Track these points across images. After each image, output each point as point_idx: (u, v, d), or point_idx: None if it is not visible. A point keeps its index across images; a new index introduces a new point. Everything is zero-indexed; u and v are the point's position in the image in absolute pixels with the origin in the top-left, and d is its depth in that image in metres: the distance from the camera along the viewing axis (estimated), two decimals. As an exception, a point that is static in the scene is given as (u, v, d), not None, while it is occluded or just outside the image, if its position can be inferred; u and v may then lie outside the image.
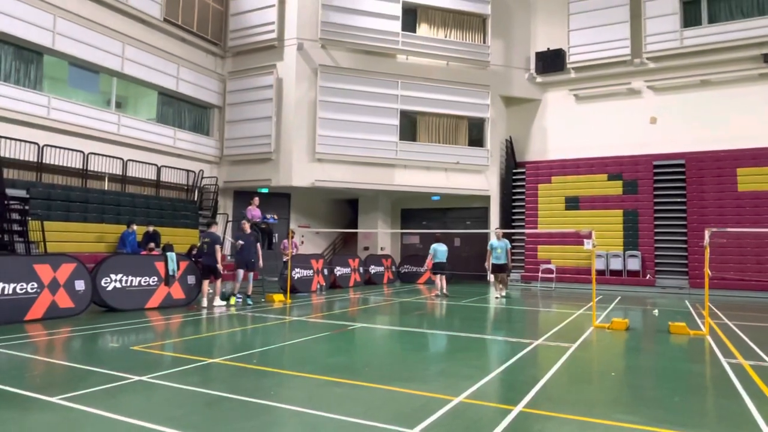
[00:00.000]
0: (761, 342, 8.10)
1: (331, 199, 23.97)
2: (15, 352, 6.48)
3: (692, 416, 4.46)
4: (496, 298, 14.12)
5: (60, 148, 14.80)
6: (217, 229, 12.31)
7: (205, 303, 11.36)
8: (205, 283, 11.61)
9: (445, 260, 15.05)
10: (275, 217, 16.09)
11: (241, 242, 12.12)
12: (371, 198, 22.99)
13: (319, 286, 15.91)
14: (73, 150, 15.16)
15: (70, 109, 15.18)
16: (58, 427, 3.94)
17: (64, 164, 15.01)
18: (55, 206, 13.80)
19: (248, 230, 12.35)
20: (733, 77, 18.65)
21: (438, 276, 14.98)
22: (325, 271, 16.45)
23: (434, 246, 15.10)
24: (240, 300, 12.11)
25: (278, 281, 14.90)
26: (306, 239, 21.82)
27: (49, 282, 9.17)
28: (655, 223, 18.80)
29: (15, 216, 12.68)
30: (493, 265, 14.16)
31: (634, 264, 18.38)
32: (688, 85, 19.38)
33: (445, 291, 14.76)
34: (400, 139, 19.93)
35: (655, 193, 19.07)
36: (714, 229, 9.04)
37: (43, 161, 14.44)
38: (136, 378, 5.27)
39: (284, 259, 14.54)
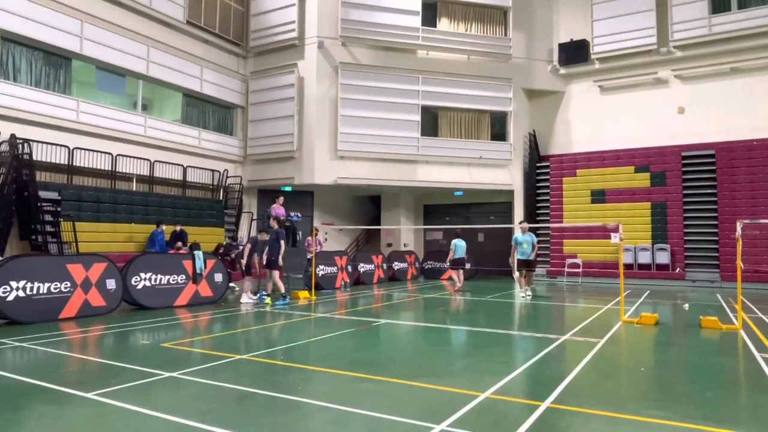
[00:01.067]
0: (797, 336, 7.87)
1: (354, 196, 24.05)
2: (51, 350, 6.69)
3: (725, 412, 4.37)
4: (522, 297, 13.28)
5: (89, 150, 15.17)
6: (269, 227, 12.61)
7: (282, 290, 11.87)
8: (276, 274, 11.95)
9: (463, 255, 15.36)
10: (299, 214, 16.23)
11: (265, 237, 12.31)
12: (394, 194, 22.99)
13: (343, 283, 16.00)
14: (101, 152, 15.51)
15: (98, 112, 15.54)
16: (93, 422, 4.05)
17: (94, 166, 15.37)
18: (85, 207, 14.16)
19: (275, 227, 12.53)
20: (764, 64, 18.05)
21: (458, 271, 15.28)
22: (349, 268, 16.52)
23: (455, 241, 15.28)
24: (265, 297, 12.26)
25: (303, 278, 15.04)
26: (329, 236, 21.92)
27: (81, 281, 9.42)
28: (685, 215, 18.37)
29: (48, 217, 13.07)
30: (519, 260, 13.50)
31: (662, 257, 18.01)
32: (717, 74, 18.84)
33: (458, 287, 15.08)
34: (422, 135, 19.87)
35: (684, 184, 18.61)
36: (746, 221, 8.81)
37: (74, 163, 14.81)
38: (167, 374, 5.39)
39: (308, 257, 14.67)
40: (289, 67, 19.53)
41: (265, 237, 12.31)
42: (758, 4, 18.09)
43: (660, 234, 18.44)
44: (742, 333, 8.05)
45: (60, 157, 14.52)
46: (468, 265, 19.96)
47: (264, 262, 12.20)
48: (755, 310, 10.92)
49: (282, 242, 11.97)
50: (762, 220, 12.74)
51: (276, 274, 11.94)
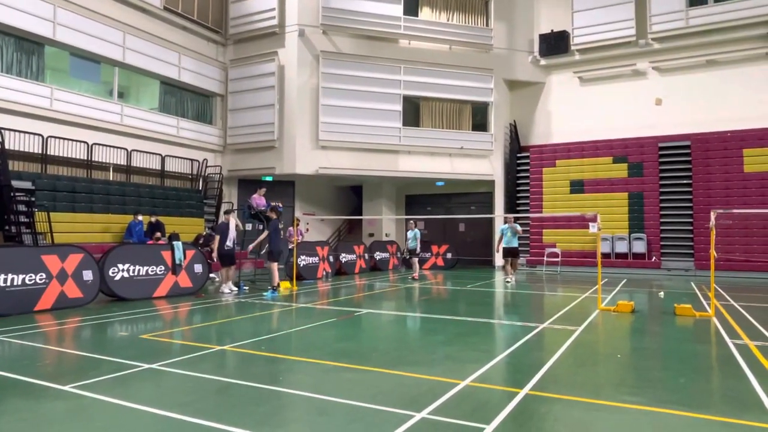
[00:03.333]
0: (767, 323, 8.11)
1: (336, 186, 23.97)
2: (26, 342, 6.56)
3: (698, 397, 4.49)
4: (507, 282, 14.49)
5: (64, 139, 14.83)
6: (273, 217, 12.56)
7: (276, 283, 11.81)
8: (275, 265, 11.97)
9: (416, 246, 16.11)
10: (280, 205, 16.12)
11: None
12: (375, 184, 22.97)
13: (324, 273, 15.98)
14: (77, 141, 15.18)
15: (72, 100, 15.18)
16: (71, 415, 4.00)
17: (69, 155, 15.05)
18: (60, 197, 13.87)
19: (274, 217, 12.51)
20: (739, 57, 18.42)
21: (416, 260, 16.11)
22: (331, 258, 16.50)
23: (416, 231, 15.99)
24: (245, 289, 12.29)
25: (284, 269, 14.97)
26: (311, 226, 21.83)
27: (57, 272, 9.24)
28: (661, 205, 18.72)
29: (21, 207, 12.77)
30: (504, 248, 14.70)
31: (639, 247, 18.35)
32: (693, 66, 19.15)
33: (416, 275, 15.74)
34: (404, 125, 19.83)
35: (661, 175, 18.95)
36: (720, 211, 9.01)
37: (48, 152, 14.47)
38: (146, 366, 5.33)
39: (290, 247, 14.61)
40: (269, 56, 19.29)
41: (231, 218, 12.27)
42: (734, -3, 18.39)
43: (637, 224, 18.77)
44: (715, 320, 8.27)
45: (33, 146, 14.17)
46: (449, 255, 20.20)
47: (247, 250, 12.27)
48: (727, 297, 11.21)
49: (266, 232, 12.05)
50: (735, 210, 13.08)
51: (275, 265, 11.96)
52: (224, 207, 19.06)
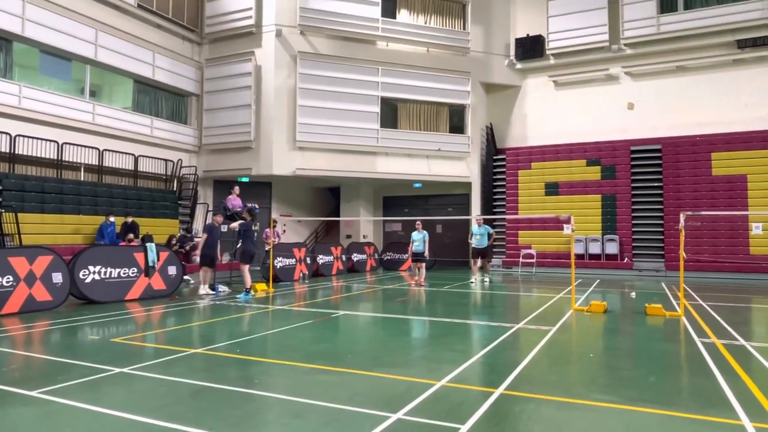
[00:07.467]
0: (733, 322, 8.35)
1: (313, 187, 23.86)
2: (-8, 347, 6.37)
3: (667, 395, 4.59)
4: (472, 282, 14.73)
5: (33, 138, 14.43)
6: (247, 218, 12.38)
7: (248, 285, 11.67)
8: (246, 267, 11.85)
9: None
10: (257, 206, 15.98)
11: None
12: (353, 186, 22.93)
13: (301, 275, 15.89)
14: (46, 140, 14.79)
15: (42, 98, 14.79)
16: (38, 421, 3.90)
17: (38, 155, 14.65)
18: (29, 198, 13.50)
19: (248, 219, 12.37)
20: (708, 63, 18.94)
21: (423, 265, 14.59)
22: (308, 260, 16.41)
23: (424, 234, 14.49)
24: (221, 291, 12.13)
25: (260, 270, 14.85)
26: (288, 228, 21.70)
27: (25, 275, 8.99)
28: (633, 207, 19.12)
29: (-13, 208, 12.41)
30: (474, 249, 15.07)
31: (612, 248, 18.71)
32: (664, 71, 19.62)
33: (422, 280, 14.45)
34: (381, 127, 19.86)
35: (633, 177, 19.35)
36: (688, 213, 9.24)
37: (16, 152, 14.06)
38: (117, 370, 5.23)
39: (266, 248, 14.50)
40: (246, 55, 19.11)
41: (220, 220, 12.20)
42: (703, 5, 18.91)
43: (610, 225, 19.13)
44: (684, 319, 8.47)
45: (0, 145, 13.76)
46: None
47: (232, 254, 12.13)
48: (696, 297, 11.50)
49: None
50: (703, 212, 13.44)
51: (246, 267, 11.80)
52: (200, 207, 18.88)
